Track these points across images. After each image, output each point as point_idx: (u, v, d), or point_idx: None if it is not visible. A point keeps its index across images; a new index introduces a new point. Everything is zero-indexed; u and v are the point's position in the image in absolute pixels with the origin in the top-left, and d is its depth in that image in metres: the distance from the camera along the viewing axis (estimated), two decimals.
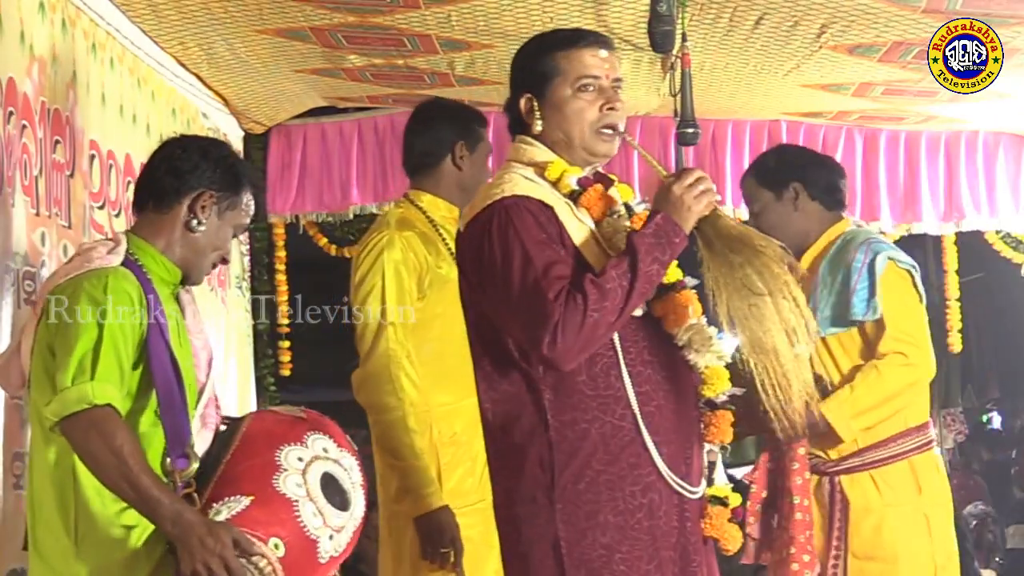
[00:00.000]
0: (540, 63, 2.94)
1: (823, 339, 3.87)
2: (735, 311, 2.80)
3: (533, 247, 2.77)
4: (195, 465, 2.81)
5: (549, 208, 2.84)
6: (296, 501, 2.80)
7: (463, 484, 3.81)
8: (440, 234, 3.93)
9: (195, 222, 2.95)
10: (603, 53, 2.95)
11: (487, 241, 2.82)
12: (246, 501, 2.77)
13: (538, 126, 2.93)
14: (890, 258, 3.93)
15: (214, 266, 3.06)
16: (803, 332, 2.81)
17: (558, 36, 3.04)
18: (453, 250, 3.87)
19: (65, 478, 2.78)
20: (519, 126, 2.99)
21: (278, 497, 2.80)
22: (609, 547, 2.78)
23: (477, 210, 2.89)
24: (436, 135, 4.02)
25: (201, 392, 2.97)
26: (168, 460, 2.78)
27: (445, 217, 3.97)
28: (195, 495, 2.78)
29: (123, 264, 2.86)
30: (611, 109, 2.92)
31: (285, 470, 2.83)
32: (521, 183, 2.88)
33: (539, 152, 2.93)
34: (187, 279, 3.01)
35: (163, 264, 2.94)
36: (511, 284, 2.77)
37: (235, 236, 3.07)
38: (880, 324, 3.88)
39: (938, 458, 4.05)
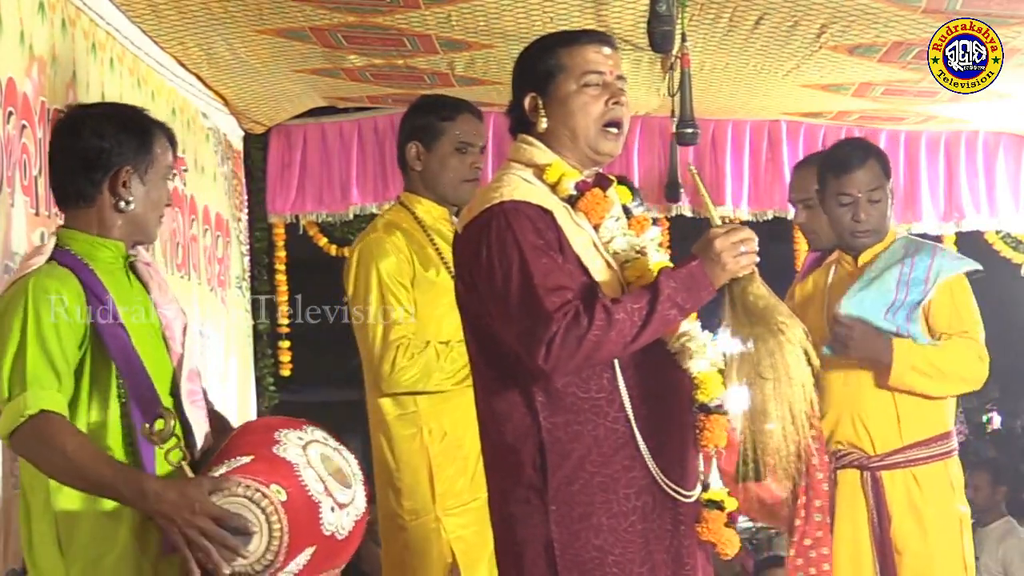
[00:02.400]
0: (544, 61, 2.94)
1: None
2: (741, 375, 2.81)
3: (531, 255, 2.76)
4: (172, 422, 2.77)
5: (548, 213, 2.83)
6: (296, 464, 2.78)
7: (455, 484, 3.82)
8: (429, 236, 3.92)
9: (123, 203, 2.90)
10: (606, 50, 2.95)
11: (485, 246, 2.81)
12: (246, 459, 2.75)
13: (543, 124, 2.92)
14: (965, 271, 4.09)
15: (162, 216, 3.01)
16: (802, 417, 2.79)
17: (561, 35, 3.04)
18: (441, 252, 3.88)
19: (41, 484, 2.78)
20: (521, 126, 2.98)
21: (279, 459, 2.78)
22: (602, 549, 2.78)
23: (475, 213, 2.88)
24: (399, 139, 4.04)
25: (180, 362, 2.95)
26: (146, 426, 2.76)
27: (436, 219, 3.96)
28: (184, 465, 2.76)
29: (53, 258, 2.84)
30: (616, 103, 2.91)
31: (285, 444, 2.81)
32: (520, 186, 2.87)
33: (539, 153, 2.92)
34: (139, 243, 2.98)
35: (100, 245, 2.90)
36: (509, 292, 2.76)
37: (170, 179, 3.00)
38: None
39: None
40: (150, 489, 2.66)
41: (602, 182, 2.94)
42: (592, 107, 2.90)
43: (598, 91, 2.91)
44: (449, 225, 3.97)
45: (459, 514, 3.80)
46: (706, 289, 2.77)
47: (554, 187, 2.89)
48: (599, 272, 2.83)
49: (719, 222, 2.86)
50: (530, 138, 2.95)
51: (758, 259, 2.82)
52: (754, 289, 2.81)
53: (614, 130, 2.93)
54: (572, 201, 2.88)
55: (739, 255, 2.78)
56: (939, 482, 3.96)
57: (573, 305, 2.72)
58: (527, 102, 2.95)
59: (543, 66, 2.93)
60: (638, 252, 2.89)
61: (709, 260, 2.77)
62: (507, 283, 2.76)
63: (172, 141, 3.02)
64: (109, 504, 2.75)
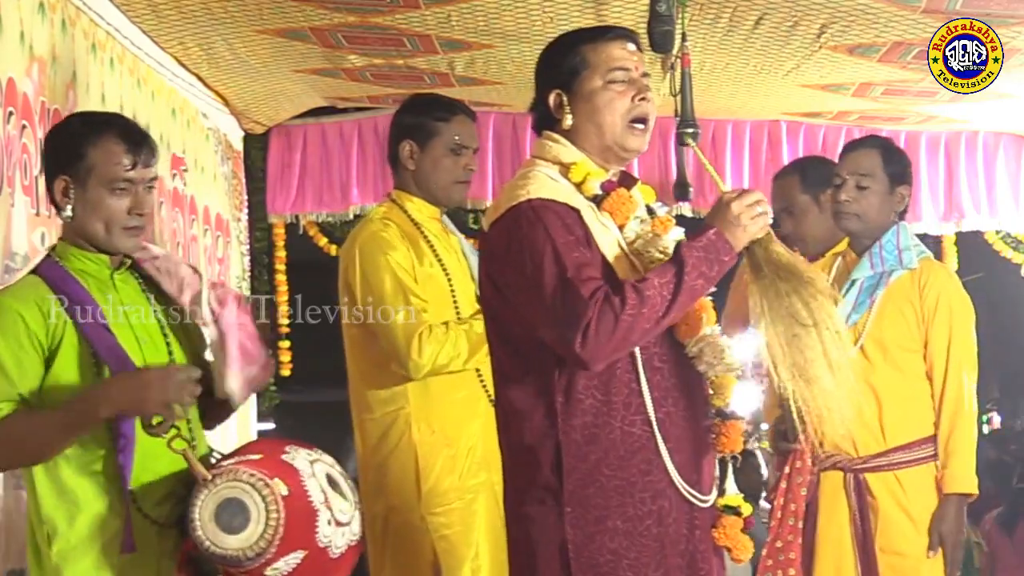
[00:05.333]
0: (569, 58, 2.92)
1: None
2: (779, 337, 2.79)
3: (563, 247, 2.75)
4: (171, 416, 2.79)
5: (575, 211, 2.82)
6: (302, 471, 2.82)
7: (441, 484, 3.81)
8: (422, 232, 3.91)
9: (62, 212, 2.87)
10: (631, 47, 2.93)
11: (515, 241, 2.79)
12: (255, 456, 2.81)
13: (568, 121, 2.90)
14: None
15: (130, 228, 2.87)
16: (845, 363, 2.80)
17: (585, 31, 3.02)
18: (435, 248, 3.88)
19: (30, 477, 2.80)
20: (545, 123, 2.97)
21: (286, 464, 2.81)
22: (616, 552, 2.77)
23: (501, 210, 2.86)
24: (391, 136, 4.02)
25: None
26: (144, 419, 2.78)
27: (426, 217, 3.95)
28: (188, 452, 2.77)
29: (36, 272, 2.86)
30: (643, 100, 2.89)
31: (293, 455, 2.85)
32: (546, 184, 2.85)
33: (565, 151, 2.91)
34: (113, 253, 2.91)
35: (83, 257, 2.88)
36: (543, 283, 2.74)
37: (123, 188, 2.85)
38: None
39: None
40: (93, 402, 2.71)
41: (627, 181, 2.94)
42: (618, 103, 2.88)
43: (624, 87, 2.89)
44: (439, 224, 3.97)
45: (443, 514, 3.80)
46: (728, 254, 2.77)
47: (579, 186, 2.87)
48: (624, 272, 2.81)
49: (729, 187, 2.86)
50: (555, 135, 2.93)
51: (771, 219, 2.85)
52: (775, 246, 2.82)
53: (640, 126, 2.91)
54: (597, 201, 2.87)
55: (757, 216, 2.79)
56: (924, 486, 3.95)
57: (603, 290, 2.71)
58: (552, 99, 2.92)
59: (568, 63, 2.91)
60: (662, 253, 2.88)
61: (728, 224, 2.77)
62: (539, 275, 2.74)
63: (131, 144, 2.87)
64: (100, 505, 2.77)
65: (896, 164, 4.10)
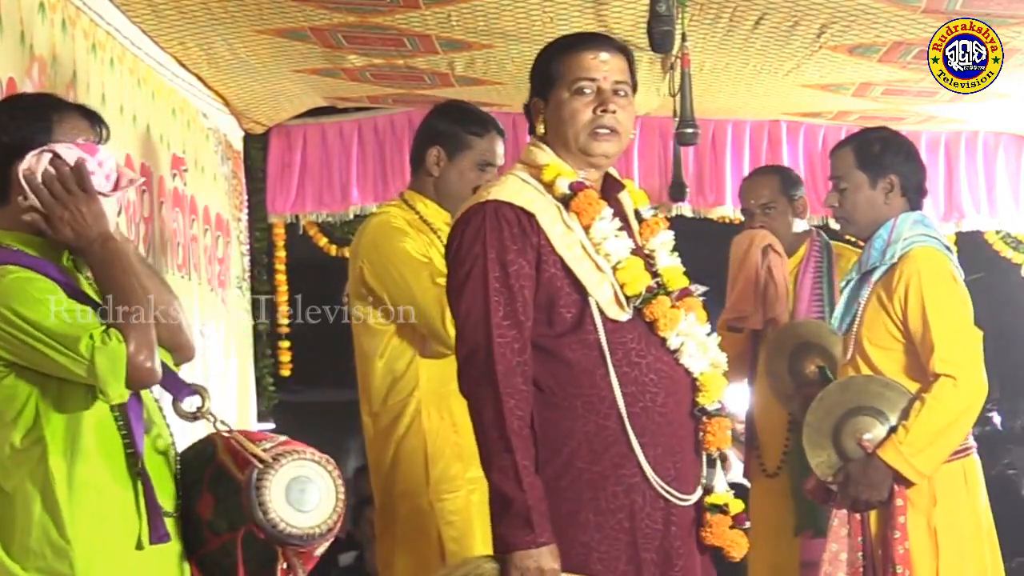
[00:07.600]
0: (546, 68, 2.97)
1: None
2: None
3: (495, 282, 2.80)
4: (208, 401, 2.75)
5: (530, 215, 2.85)
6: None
7: (449, 469, 3.83)
8: (434, 231, 3.92)
9: (21, 198, 2.67)
10: (604, 55, 2.94)
11: (457, 239, 2.86)
12: (282, 437, 2.79)
13: (540, 129, 2.96)
14: None
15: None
16: None
17: (562, 41, 3.05)
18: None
19: (41, 474, 2.63)
20: (533, 128, 3.02)
21: (300, 443, 2.80)
22: (587, 545, 2.79)
23: (466, 206, 2.93)
24: (419, 137, 4.00)
25: None
26: (179, 405, 2.74)
27: (440, 221, 3.94)
28: (241, 438, 2.73)
29: (13, 263, 2.65)
30: (604, 111, 2.90)
31: (284, 436, 2.85)
32: (512, 186, 2.90)
33: (542, 155, 2.95)
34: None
35: (42, 245, 2.72)
36: (460, 300, 2.83)
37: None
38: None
39: (965, 470, 3.95)
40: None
41: (612, 184, 2.97)
42: (581, 115, 2.90)
43: (590, 98, 2.91)
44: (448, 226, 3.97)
45: (451, 500, 3.81)
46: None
47: (549, 187, 2.90)
48: (587, 274, 2.84)
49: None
50: (538, 140, 2.98)
51: None
52: None
53: (605, 131, 2.92)
54: (565, 201, 2.88)
55: None
56: (917, 493, 3.81)
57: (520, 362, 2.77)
58: (532, 106, 2.99)
59: (545, 72, 2.96)
60: (633, 254, 2.89)
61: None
62: (462, 294, 2.83)
63: (94, 124, 2.78)
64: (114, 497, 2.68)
65: (871, 159, 3.99)
